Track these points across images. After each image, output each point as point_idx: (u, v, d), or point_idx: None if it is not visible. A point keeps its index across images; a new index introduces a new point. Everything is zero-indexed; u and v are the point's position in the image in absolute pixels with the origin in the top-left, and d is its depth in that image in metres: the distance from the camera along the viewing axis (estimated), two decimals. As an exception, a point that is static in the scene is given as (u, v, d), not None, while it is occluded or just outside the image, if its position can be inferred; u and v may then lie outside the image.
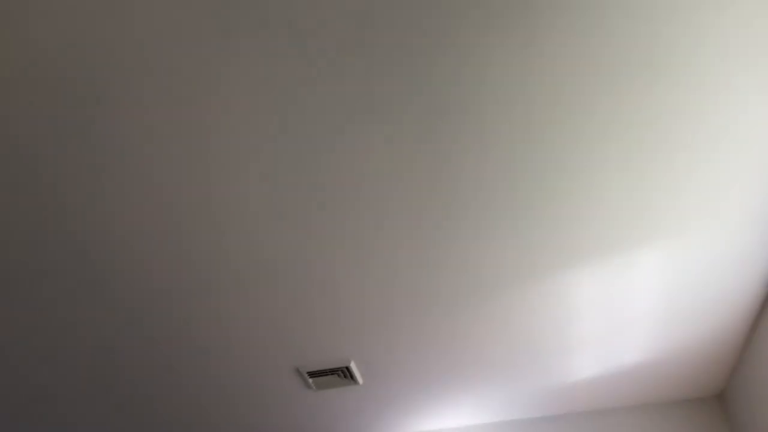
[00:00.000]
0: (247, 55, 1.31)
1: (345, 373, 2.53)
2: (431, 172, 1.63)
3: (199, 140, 1.49)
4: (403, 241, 1.87)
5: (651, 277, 2.13)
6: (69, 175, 1.55)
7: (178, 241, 1.80)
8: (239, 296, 2.05)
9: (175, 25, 1.24)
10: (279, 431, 3.05)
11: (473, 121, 1.50)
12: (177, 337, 2.24)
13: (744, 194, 1.81)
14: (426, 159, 1.59)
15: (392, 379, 2.64)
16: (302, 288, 2.03)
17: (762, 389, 2.83)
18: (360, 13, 1.24)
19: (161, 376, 2.48)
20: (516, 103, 1.47)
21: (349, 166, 1.59)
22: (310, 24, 1.25)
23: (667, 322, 2.42)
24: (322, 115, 1.45)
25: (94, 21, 1.22)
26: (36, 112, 1.39)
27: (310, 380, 2.55)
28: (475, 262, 1.98)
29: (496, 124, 1.51)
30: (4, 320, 2.08)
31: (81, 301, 2.01)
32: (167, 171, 1.57)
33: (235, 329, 2.22)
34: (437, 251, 1.92)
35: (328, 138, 1.51)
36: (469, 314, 2.24)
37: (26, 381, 2.47)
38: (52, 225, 1.70)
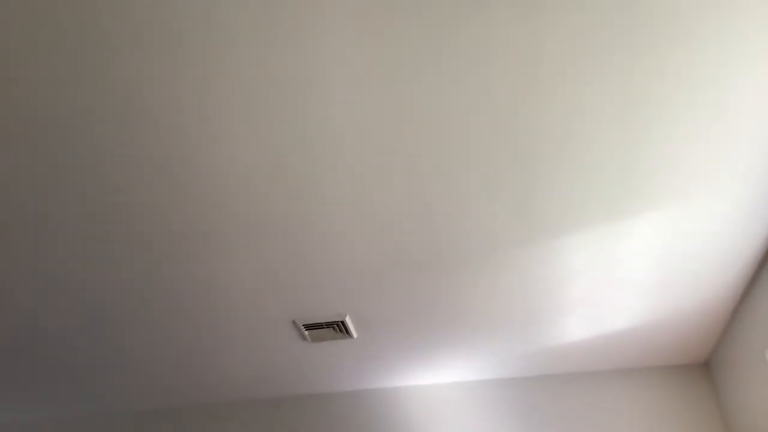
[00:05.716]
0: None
1: (340, 327, 2.59)
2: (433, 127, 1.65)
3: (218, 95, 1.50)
4: (397, 205, 1.90)
5: (643, 244, 2.16)
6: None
7: (183, 188, 1.82)
8: (241, 247, 2.09)
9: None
10: (274, 379, 3.14)
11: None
12: (176, 279, 2.28)
13: (741, 167, 1.82)
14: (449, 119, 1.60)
15: (386, 335, 2.71)
16: (303, 244, 2.07)
17: (747, 359, 2.90)
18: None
19: (158, 318, 2.54)
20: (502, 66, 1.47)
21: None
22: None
23: (657, 289, 2.46)
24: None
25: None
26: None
27: (306, 333, 2.62)
28: (469, 226, 2.01)
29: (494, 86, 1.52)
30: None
31: (91, 249, 2.05)
32: (175, 119, 1.58)
33: (236, 279, 2.27)
34: (432, 215, 1.95)
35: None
36: (463, 275, 2.28)
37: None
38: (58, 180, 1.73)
